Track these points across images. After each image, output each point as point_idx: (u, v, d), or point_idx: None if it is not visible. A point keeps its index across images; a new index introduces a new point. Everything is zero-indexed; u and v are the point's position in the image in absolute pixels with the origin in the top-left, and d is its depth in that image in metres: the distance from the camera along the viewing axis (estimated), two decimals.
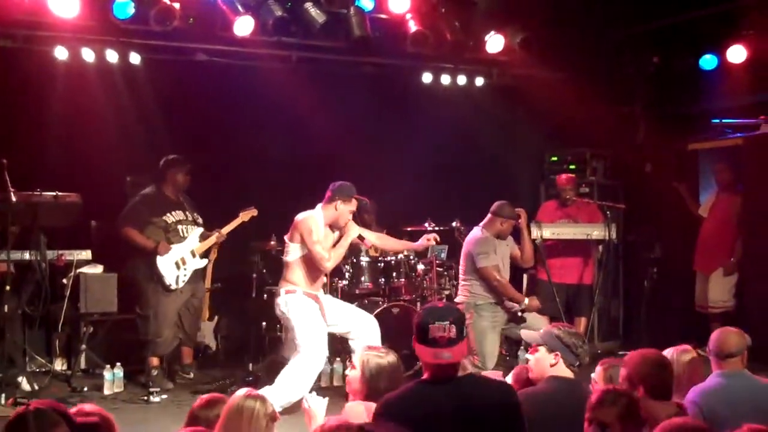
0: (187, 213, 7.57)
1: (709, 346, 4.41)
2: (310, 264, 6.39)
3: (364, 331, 6.53)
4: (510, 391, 3.62)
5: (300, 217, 6.40)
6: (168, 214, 7.45)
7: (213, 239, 7.57)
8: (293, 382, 6.08)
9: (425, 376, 3.54)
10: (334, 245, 6.47)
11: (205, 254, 7.63)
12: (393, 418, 3.29)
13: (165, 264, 7.31)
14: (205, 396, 3.64)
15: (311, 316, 6.36)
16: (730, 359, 4.33)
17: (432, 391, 3.45)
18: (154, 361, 7.35)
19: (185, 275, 7.41)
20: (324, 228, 6.43)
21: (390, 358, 4.10)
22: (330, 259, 6.35)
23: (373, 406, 3.67)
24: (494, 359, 7.16)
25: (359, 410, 3.92)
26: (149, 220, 7.38)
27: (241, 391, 3.57)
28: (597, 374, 4.36)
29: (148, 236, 7.33)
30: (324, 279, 6.78)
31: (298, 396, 5.92)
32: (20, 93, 7.73)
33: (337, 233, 6.56)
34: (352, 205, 6.54)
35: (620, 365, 4.23)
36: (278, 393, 5.94)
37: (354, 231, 6.57)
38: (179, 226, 7.48)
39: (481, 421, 3.38)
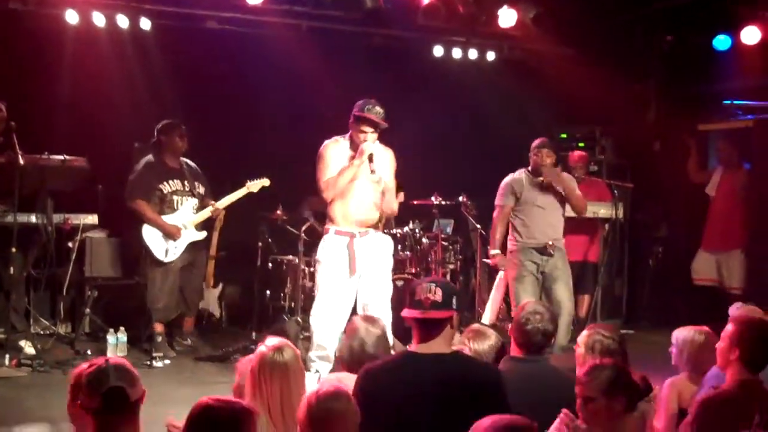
0: (186, 182, 7.40)
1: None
2: (341, 195, 6.03)
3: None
4: (494, 373, 3.59)
5: None
6: (165, 183, 7.30)
7: (206, 213, 7.40)
8: (315, 337, 6.01)
9: (412, 345, 3.54)
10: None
11: (203, 226, 7.48)
12: (373, 389, 3.31)
13: (151, 237, 7.20)
14: (274, 340, 3.55)
15: (332, 260, 6.01)
16: None
17: (415, 364, 3.45)
18: (158, 327, 7.33)
19: (176, 247, 7.27)
20: (346, 155, 6.02)
21: (376, 330, 4.09)
22: (327, 188, 5.96)
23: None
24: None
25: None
26: (156, 187, 7.28)
27: (269, 345, 3.49)
28: (581, 337, 4.20)
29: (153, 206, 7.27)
30: (368, 216, 6.12)
31: (324, 350, 5.94)
32: (30, 56, 7.73)
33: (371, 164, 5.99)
34: (363, 123, 5.96)
35: (605, 333, 4.11)
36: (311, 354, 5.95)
37: (365, 150, 5.92)
38: (174, 197, 7.33)
39: (460, 399, 3.36)
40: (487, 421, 2.77)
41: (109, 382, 2.85)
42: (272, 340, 3.52)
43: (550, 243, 6.99)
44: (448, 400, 3.34)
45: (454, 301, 3.50)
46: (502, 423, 2.74)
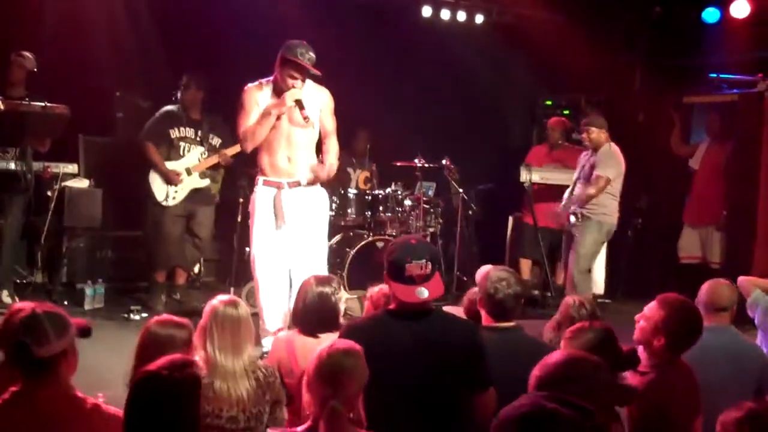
0: (199, 132, 7.47)
1: (700, 298, 4.23)
2: (266, 143, 5.55)
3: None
4: (473, 331, 3.58)
5: None
6: (175, 129, 7.40)
7: (214, 159, 7.45)
8: (259, 300, 5.72)
9: (392, 307, 3.53)
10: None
11: (208, 174, 7.52)
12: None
13: (154, 180, 7.30)
14: (226, 296, 3.61)
15: (261, 213, 5.61)
16: (721, 313, 4.20)
17: (397, 323, 3.44)
18: (160, 277, 7.47)
19: (176, 192, 7.35)
20: (269, 101, 5.51)
21: (319, 288, 4.08)
22: (245, 138, 5.50)
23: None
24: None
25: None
26: (166, 133, 7.38)
27: (221, 299, 3.56)
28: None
29: (161, 151, 7.34)
30: (299, 165, 5.61)
31: (271, 310, 5.61)
32: (11, 2, 7.57)
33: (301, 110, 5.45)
34: (293, 68, 5.41)
35: (577, 302, 4.25)
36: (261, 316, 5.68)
37: (288, 98, 5.38)
38: (181, 143, 7.42)
39: (441, 358, 3.38)
40: (557, 354, 2.84)
41: (14, 337, 2.77)
42: (224, 296, 3.60)
43: (572, 209, 7.52)
44: (429, 358, 3.36)
45: (438, 265, 3.48)
46: (573, 356, 2.85)
